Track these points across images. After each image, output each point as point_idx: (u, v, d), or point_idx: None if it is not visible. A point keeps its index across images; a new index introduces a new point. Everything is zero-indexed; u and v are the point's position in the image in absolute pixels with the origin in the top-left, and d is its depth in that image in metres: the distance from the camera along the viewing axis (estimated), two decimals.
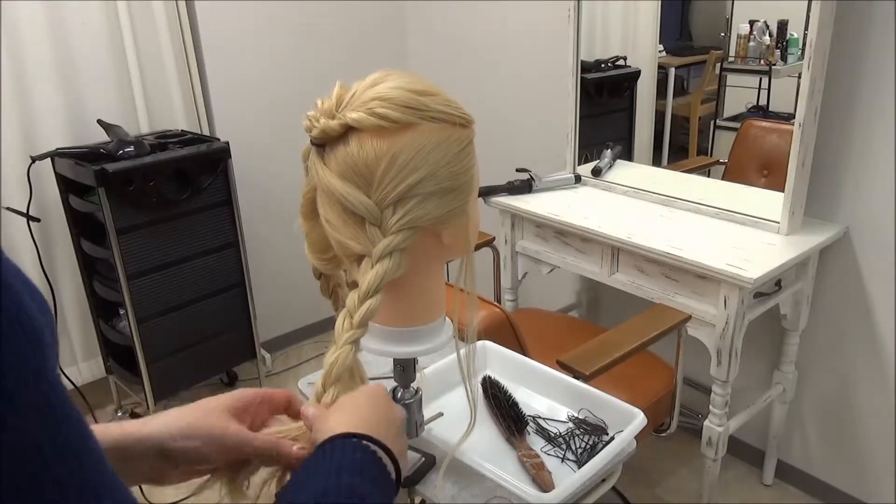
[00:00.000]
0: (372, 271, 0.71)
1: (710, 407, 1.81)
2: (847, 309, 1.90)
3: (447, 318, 0.88)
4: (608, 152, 2.29)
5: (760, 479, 2.21)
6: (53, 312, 2.35)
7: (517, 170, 2.25)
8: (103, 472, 0.37)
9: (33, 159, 2.09)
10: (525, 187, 2.20)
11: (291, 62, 2.79)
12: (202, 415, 0.66)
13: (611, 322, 2.44)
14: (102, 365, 2.54)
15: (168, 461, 0.64)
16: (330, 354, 0.70)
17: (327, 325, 3.14)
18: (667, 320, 1.64)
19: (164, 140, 2.30)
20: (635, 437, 1.12)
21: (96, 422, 2.35)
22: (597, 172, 2.27)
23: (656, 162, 2.35)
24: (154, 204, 2.17)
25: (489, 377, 1.26)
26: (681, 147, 2.38)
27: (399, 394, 0.94)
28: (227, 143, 2.32)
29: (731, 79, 2.20)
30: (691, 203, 2.02)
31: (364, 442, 0.60)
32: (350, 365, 0.71)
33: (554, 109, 2.45)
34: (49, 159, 2.19)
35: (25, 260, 2.26)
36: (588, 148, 2.34)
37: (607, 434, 1.15)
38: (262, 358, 2.72)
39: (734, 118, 2.20)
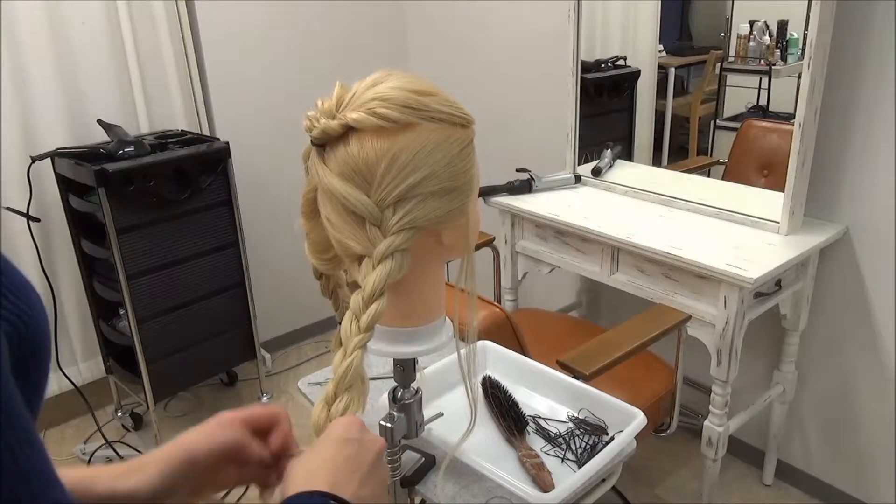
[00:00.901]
0: (374, 273, 0.71)
1: (710, 407, 1.81)
2: (847, 309, 1.90)
3: (447, 319, 0.88)
4: (608, 152, 2.29)
5: (760, 479, 2.21)
6: (53, 313, 2.35)
7: (517, 170, 2.25)
8: (45, 470, 0.37)
9: (33, 159, 2.09)
10: (525, 187, 2.20)
11: (291, 62, 2.79)
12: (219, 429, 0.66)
13: (611, 322, 2.44)
14: (102, 365, 2.54)
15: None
16: (339, 360, 0.69)
17: (327, 325, 3.14)
18: (667, 320, 1.64)
19: (164, 140, 2.30)
20: (635, 437, 1.12)
21: (97, 422, 2.36)
22: (597, 172, 2.27)
23: (656, 162, 2.35)
24: (154, 204, 2.17)
25: (489, 377, 1.26)
26: (681, 147, 2.38)
27: (399, 394, 0.94)
28: (227, 143, 2.32)
29: (731, 79, 2.20)
30: (691, 203, 2.02)
31: (332, 502, 0.56)
32: (361, 369, 0.70)
33: (554, 109, 2.45)
34: (49, 159, 2.19)
35: (25, 260, 2.26)
36: (588, 148, 2.34)
37: (607, 434, 1.15)
38: (262, 358, 2.72)
39: (734, 118, 2.20)
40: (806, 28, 1.67)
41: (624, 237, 1.84)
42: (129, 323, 2.20)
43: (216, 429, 0.66)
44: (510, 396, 1.20)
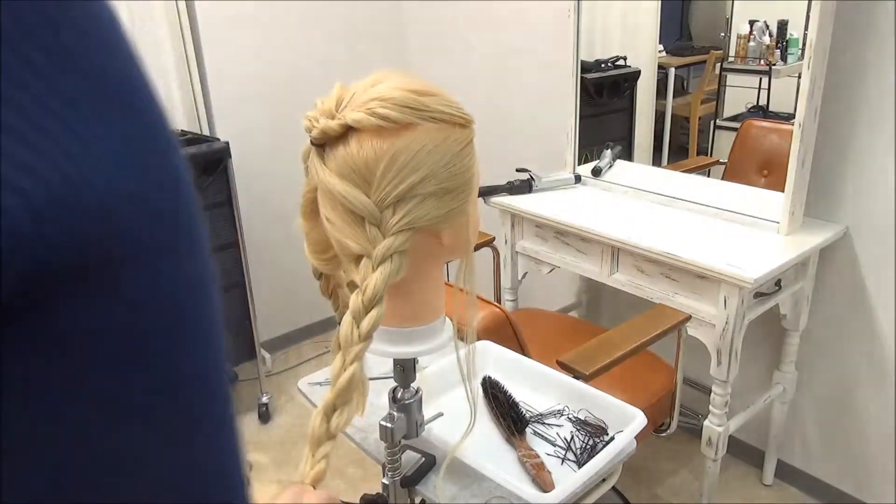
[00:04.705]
0: (374, 277, 0.70)
1: (710, 407, 1.81)
2: (847, 309, 1.90)
3: (447, 319, 0.88)
4: (608, 152, 2.29)
5: (760, 479, 2.21)
6: None
7: (517, 170, 2.24)
8: None
9: None
10: (525, 187, 2.20)
11: (291, 62, 2.79)
12: None
13: (611, 322, 2.44)
14: None
15: None
16: (339, 368, 0.68)
17: (327, 325, 3.14)
18: (667, 320, 1.64)
19: None
20: (635, 437, 1.12)
21: None
22: (597, 172, 2.27)
23: (656, 162, 2.35)
24: None
25: (489, 377, 1.26)
26: (681, 147, 2.38)
27: (399, 394, 0.94)
28: (227, 143, 2.32)
29: (731, 79, 2.20)
30: (691, 203, 2.02)
31: None
32: (361, 379, 0.70)
33: (554, 109, 2.45)
34: None
35: None
36: (588, 148, 2.34)
37: (607, 434, 1.15)
38: (262, 358, 2.72)
39: (734, 118, 2.20)
40: (806, 28, 1.67)
41: (624, 237, 1.84)
42: None
43: None
44: (510, 396, 1.20)
